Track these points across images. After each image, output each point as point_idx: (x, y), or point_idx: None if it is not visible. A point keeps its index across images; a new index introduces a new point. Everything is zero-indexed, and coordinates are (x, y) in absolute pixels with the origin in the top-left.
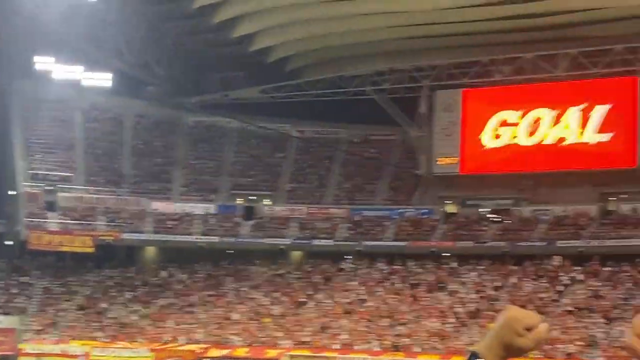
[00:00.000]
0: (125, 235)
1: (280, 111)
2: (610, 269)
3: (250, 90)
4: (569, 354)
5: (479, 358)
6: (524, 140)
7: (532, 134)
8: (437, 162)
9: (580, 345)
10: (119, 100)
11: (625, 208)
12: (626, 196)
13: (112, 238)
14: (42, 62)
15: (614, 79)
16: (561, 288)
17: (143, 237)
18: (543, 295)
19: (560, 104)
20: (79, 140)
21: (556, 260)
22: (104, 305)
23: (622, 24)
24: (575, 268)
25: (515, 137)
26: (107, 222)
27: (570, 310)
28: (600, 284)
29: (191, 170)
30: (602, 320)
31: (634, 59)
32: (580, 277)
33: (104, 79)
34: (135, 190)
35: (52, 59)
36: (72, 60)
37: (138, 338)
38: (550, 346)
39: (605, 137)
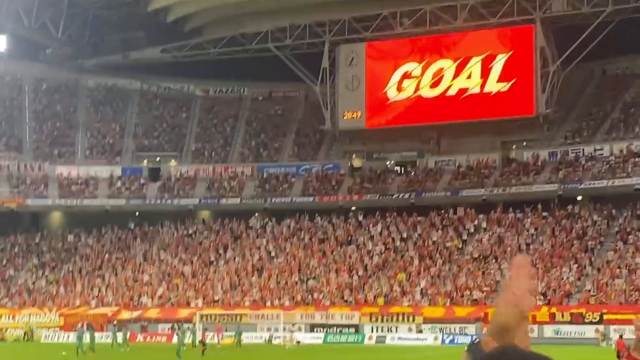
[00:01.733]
0: (30, 201)
1: (183, 71)
2: (513, 215)
3: (150, 51)
4: (474, 300)
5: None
6: (428, 92)
7: (435, 85)
8: (342, 117)
9: (485, 291)
10: (17, 63)
11: (526, 155)
12: (526, 144)
13: (15, 204)
14: None
15: (512, 28)
16: (466, 236)
17: (48, 202)
18: (449, 244)
19: (461, 55)
20: None
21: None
22: (10, 272)
23: None
24: (480, 216)
25: (418, 89)
26: (11, 188)
27: (475, 258)
28: (503, 230)
29: (94, 133)
30: (506, 266)
31: (530, 7)
32: (485, 224)
33: None
34: (37, 155)
35: None
36: None
37: (47, 303)
38: (457, 293)
39: (505, 86)
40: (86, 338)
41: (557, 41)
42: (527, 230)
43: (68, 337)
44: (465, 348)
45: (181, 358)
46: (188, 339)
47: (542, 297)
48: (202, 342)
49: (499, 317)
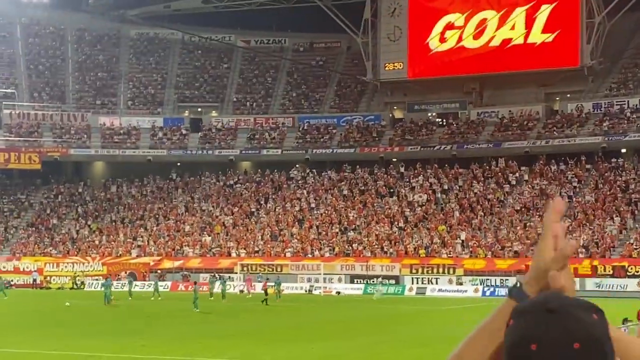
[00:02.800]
0: (73, 151)
1: (225, 21)
2: (555, 167)
3: (192, 1)
4: (515, 252)
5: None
6: (470, 43)
7: (478, 36)
8: (384, 68)
9: (527, 244)
10: (60, 14)
11: (570, 107)
12: (570, 95)
13: (59, 154)
14: None
15: None
16: (508, 188)
17: (90, 152)
18: (490, 196)
19: (505, 5)
20: (20, 56)
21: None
22: (54, 221)
23: None
24: (522, 168)
25: (461, 40)
26: (54, 138)
27: (517, 210)
28: (546, 183)
29: (136, 84)
30: None
31: None
32: (527, 177)
33: None
34: (80, 105)
35: None
36: None
37: (90, 252)
38: (498, 245)
39: (549, 37)
40: (124, 286)
41: None
42: (570, 183)
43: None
44: (507, 293)
45: (197, 308)
46: (217, 289)
47: (584, 250)
48: (265, 292)
49: (540, 261)
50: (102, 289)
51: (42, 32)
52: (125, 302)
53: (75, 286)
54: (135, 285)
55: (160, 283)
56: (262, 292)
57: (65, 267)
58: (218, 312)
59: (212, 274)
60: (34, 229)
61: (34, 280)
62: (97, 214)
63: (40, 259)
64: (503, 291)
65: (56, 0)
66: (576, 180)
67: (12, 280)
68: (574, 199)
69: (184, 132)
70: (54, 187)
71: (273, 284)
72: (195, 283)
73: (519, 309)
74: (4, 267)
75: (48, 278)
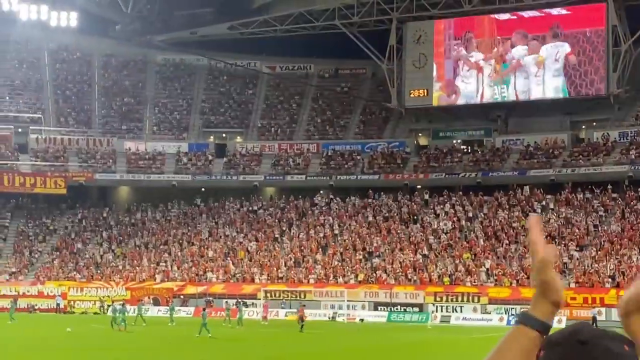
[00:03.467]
0: (98, 176)
1: (250, 47)
2: (581, 196)
3: (218, 27)
4: None
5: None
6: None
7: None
8: (409, 95)
9: None
10: (87, 39)
11: (596, 135)
12: (596, 124)
13: (84, 179)
14: (7, 3)
15: (584, 7)
16: None
17: (116, 177)
18: (515, 224)
19: (531, 33)
20: (47, 82)
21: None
22: (78, 245)
23: None
24: (547, 196)
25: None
26: (80, 163)
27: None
28: (572, 211)
29: (162, 109)
30: (574, 247)
31: None
32: (552, 205)
33: (70, 19)
34: (106, 130)
35: None
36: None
37: (114, 277)
38: (523, 274)
39: (575, 65)
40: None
41: (629, 20)
42: (596, 212)
43: (134, 310)
44: (515, 322)
45: (201, 333)
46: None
47: (610, 280)
48: (301, 318)
49: (533, 275)
50: (115, 314)
51: (69, 58)
52: (139, 327)
53: (101, 311)
54: (159, 310)
55: (183, 309)
56: (283, 318)
57: (89, 291)
58: (227, 338)
59: (226, 301)
60: (58, 253)
61: (58, 304)
62: (121, 238)
63: (64, 283)
64: None
65: (83, 26)
66: (602, 209)
67: (36, 305)
68: (600, 228)
69: (208, 157)
70: (79, 211)
71: (296, 310)
72: (204, 309)
73: (551, 340)
74: (28, 291)
75: (72, 302)
